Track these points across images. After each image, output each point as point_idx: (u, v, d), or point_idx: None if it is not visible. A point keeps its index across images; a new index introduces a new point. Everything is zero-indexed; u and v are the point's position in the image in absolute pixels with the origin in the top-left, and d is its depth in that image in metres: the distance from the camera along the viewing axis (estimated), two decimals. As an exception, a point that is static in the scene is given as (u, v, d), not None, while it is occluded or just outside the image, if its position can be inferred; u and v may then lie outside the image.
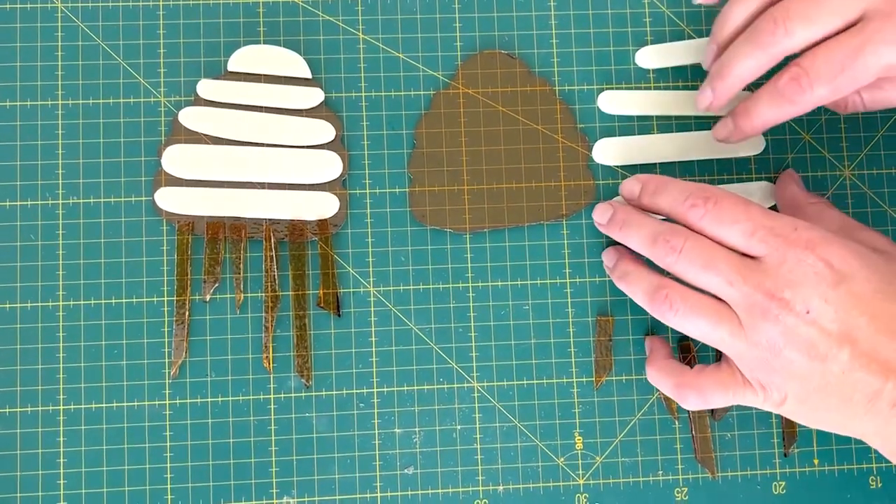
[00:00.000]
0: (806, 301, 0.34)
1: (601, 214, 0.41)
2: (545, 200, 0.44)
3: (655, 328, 0.44)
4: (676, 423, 0.43)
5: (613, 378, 0.43)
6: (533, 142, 0.44)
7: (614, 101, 0.45)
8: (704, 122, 0.45)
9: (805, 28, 0.36)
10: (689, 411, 0.43)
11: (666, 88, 0.45)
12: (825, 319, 0.34)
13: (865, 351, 0.34)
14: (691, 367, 0.40)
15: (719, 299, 0.36)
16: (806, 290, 0.34)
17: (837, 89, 0.36)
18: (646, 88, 0.45)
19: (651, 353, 0.42)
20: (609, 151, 0.44)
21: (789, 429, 0.43)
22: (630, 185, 0.40)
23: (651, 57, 0.45)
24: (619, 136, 0.45)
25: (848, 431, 0.36)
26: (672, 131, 0.45)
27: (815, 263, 0.34)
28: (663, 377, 0.40)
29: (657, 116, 0.45)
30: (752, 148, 0.44)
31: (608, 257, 0.42)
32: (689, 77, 0.45)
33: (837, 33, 0.36)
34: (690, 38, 0.45)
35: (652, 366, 0.41)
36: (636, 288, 0.39)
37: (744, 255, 0.36)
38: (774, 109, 0.38)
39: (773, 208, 0.43)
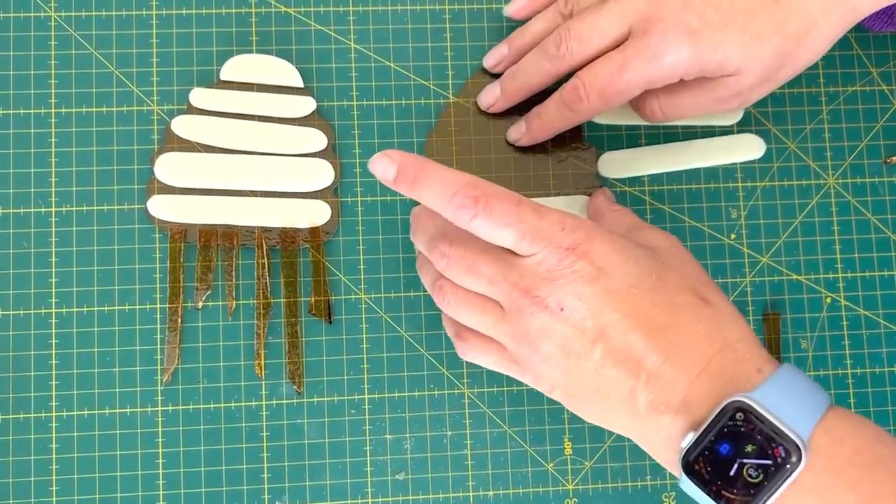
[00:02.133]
0: (560, 299, 0.34)
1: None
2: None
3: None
4: (664, 428, 0.44)
5: (602, 384, 0.44)
6: (541, 150, 0.45)
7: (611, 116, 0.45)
8: (709, 131, 0.46)
9: (581, 47, 0.40)
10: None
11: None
12: (578, 316, 0.34)
13: (616, 348, 0.33)
14: None
15: None
16: (561, 288, 0.34)
17: (609, 101, 0.40)
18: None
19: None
20: (613, 164, 0.45)
21: (775, 434, 0.44)
22: (381, 167, 0.35)
23: None
24: (627, 144, 0.45)
25: (614, 428, 0.36)
26: (678, 139, 0.45)
27: (574, 262, 0.34)
28: (449, 324, 0.40)
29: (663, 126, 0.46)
30: (756, 150, 0.45)
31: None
32: (676, 87, 0.46)
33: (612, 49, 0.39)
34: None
35: (445, 315, 0.40)
36: (424, 278, 0.40)
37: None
38: (559, 116, 0.42)
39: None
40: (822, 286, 0.45)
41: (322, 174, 0.43)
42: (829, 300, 0.45)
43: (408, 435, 0.43)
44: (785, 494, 0.31)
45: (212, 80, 0.44)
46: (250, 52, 0.44)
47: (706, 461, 0.32)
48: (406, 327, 0.43)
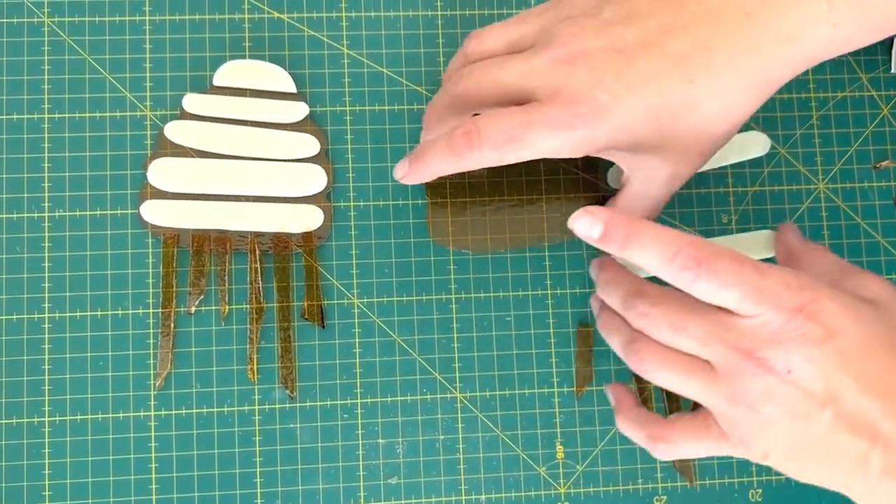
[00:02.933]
0: (787, 360, 0.32)
1: (594, 272, 0.41)
2: (526, 214, 0.45)
3: (635, 339, 0.44)
4: (655, 432, 0.44)
5: (594, 388, 0.44)
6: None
7: None
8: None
9: (491, 147, 0.36)
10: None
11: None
12: (807, 379, 0.32)
13: (849, 412, 0.32)
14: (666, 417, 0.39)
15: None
16: (788, 350, 0.32)
17: (503, 157, 0.36)
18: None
19: (618, 404, 0.41)
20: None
21: (766, 437, 0.44)
22: (584, 225, 0.34)
23: None
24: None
25: (836, 488, 0.35)
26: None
27: (801, 325, 0.32)
28: (634, 428, 0.39)
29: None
30: (763, 147, 0.46)
31: (595, 303, 0.42)
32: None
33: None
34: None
35: (622, 415, 0.40)
36: (614, 339, 0.38)
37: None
38: (445, 159, 0.37)
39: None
40: (813, 290, 0.45)
41: (315, 179, 0.44)
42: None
43: (400, 439, 0.43)
44: None
45: (205, 86, 0.44)
46: (243, 57, 0.44)
47: None
48: (398, 332, 0.44)
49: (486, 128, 0.36)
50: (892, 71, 0.47)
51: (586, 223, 0.34)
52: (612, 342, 0.39)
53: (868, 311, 0.34)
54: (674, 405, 0.44)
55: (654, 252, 0.33)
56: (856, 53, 0.47)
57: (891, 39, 0.47)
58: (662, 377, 0.35)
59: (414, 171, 0.39)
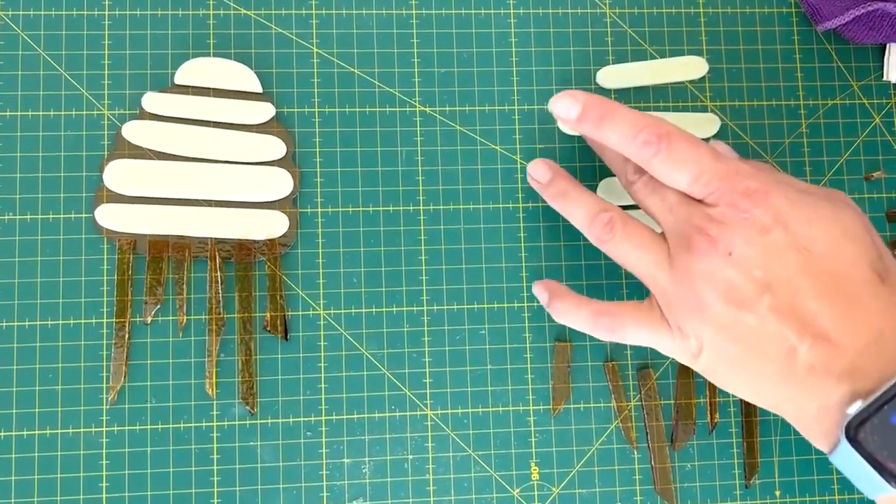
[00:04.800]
0: (730, 242, 0.33)
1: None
2: (503, 223, 0.43)
3: (615, 353, 0.42)
4: (635, 452, 0.42)
5: (571, 406, 0.42)
6: (491, 162, 0.43)
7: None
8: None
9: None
10: (648, 442, 0.42)
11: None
12: (748, 264, 0.33)
13: (784, 303, 0.32)
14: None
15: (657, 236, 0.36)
16: (733, 232, 0.33)
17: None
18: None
19: (552, 292, 0.39)
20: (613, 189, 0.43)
21: (751, 459, 0.42)
22: (564, 106, 0.36)
23: (612, 77, 0.44)
24: (579, 157, 0.44)
25: (763, 398, 0.35)
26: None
27: (748, 209, 0.33)
28: (575, 308, 0.38)
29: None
30: (713, 128, 0.44)
31: (538, 170, 0.40)
32: (651, 98, 0.44)
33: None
34: (653, 58, 0.45)
35: (559, 300, 0.39)
36: (576, 208, 0.38)
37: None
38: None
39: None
40: (801, 306, 0.44)
41: (280, 183, 0.41)
42: (807, 320, 0.43)
43: (367, 459, 0.41)
44: None
45: (166, 84, 0.42)
46: (207, 55, 0.42)
47: (874, 430, 0.30)
48: (367, 345, 0.41)
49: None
50: (885, 78, 0.45)
51: (565, 104, 0.36)
52: (571, 212, 0.38)
53: (818, 214, 0.34)
54: (680, 419, 0.42)
55: (623, 130, 0.35)
56: (847, 60, 0.46)
57: (883, 45, 0.46)
58: (623, 248, 0.36)
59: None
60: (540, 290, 0.40)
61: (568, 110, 0.36)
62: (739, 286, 0.33)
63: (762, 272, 0.33)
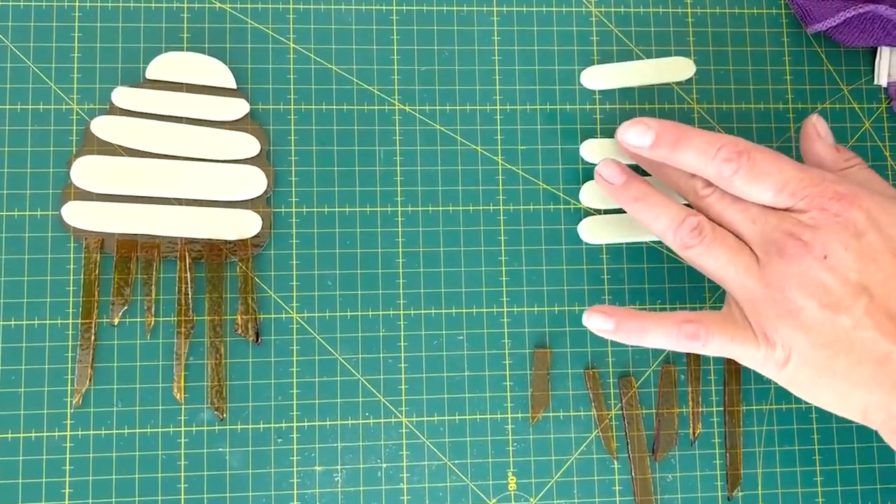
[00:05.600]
0: (825, 246, 0.33)
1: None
2: (483, 225, 0.42)
3: (596, 361, 0.41)
4: (615, 463, 0.41)
5: (550, 414, 0.41)
6: (471, 163, 0.42)
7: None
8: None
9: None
10: (628, 452, 0.41)
11: (612, 111, 0.43)
12: (843, 267, 0.33)
13: (880, 307, 0.33)
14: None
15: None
16: (827, 236, 0.33)
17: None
18: (590, 109, 0.43)
19: (616, 315, 0.37)
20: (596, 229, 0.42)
21: (734, 470, 0.41)
22: (636, 134, 0.36)
23: (597, 77, 0.43)
24: (562, 160, 0.43)
25: (851, 405, 0.34)
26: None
27: (841, 212, 0.33)
28: (653, 322, 0.36)
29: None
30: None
31: (611, 172, 0.39)
32: (637, 99, 0.43)
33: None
34: (639, 58, 0.43)
35: (630, 318, 0.36)
36: (658, 211, 0.37)
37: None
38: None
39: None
40: (787, 314, 0.43)
41: (253, 182, 0.40)
42: (793, 329, 0.42)
43: (339, 467, 0.40)
44: None
45: (137, 79, 0.41)
46: (181, 49, 0.41)
47: None
48: (341, 350, 0.40)
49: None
50: (876, 82, 0.44)
51: (637, 132, 0.36)
52: (653, 215, 0.37)
53: None
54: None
55: (701, 149, 0.35)
56: (837, 63, 0.45)
57: (874, 49, 0.45)
58: (712, 253, 0.35)
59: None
60: (599, 318, 0.37)
61: (641, 138, 0.36)
62: (835, 289, 0.33)
63: (858, 275, 0.33)
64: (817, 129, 0.38)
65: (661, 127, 0.36)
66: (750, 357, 0.35)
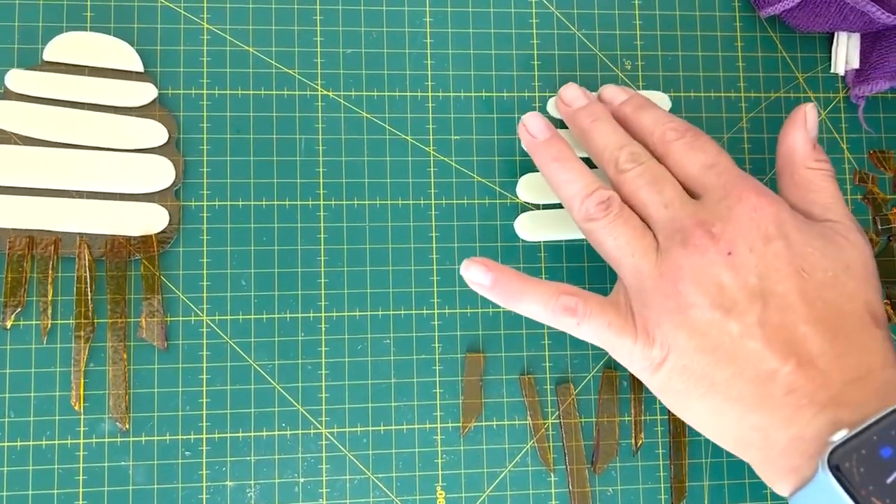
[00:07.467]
0: (732, 242, 0.31)
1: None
2: (413, 221, 0.39)
3: (532, 366, 0.39)
4: (552, 475, 0.38)
5: (483, 423, 0.38)
6: (401, 154, 0.39)
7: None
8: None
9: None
10: (566, 464, 0.38)
11: (553, 99, 0.40)
12: (745, 269, 0.31)
13: (773, 319, 0.31)
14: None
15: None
16: (736, 232, 0.32)
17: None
18: (529, 97, 0.40)
19: (496, 270, 0.34)
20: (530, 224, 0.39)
21: (678, 483, 0.39)
22: (615, 91, 0.38)
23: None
24: (498, 151, 0.40)
25: (724, 427, 0.32)
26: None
27: (757, 208, 0.32)
28: (532, 287, 0.34)
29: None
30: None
31: (536, 124, 0.36)
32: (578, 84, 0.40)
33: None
34: (581, 42, 0.41)
35: (508, 278, 0.34)
36: (572, 177, 0.35)
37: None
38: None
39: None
40: (736, 316, 0.40)
41: (160, 173, 0.37)
42: (743, 332, 0.40)
43: (252, 482, 0.37)
44: None
45: (35, 61, 0.38)
46: (83, 29, 0.38)
47: (860, 462, 0.28)
48: (255, 356, 0.37)
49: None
50: (833, 70, 0.42)
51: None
52: (567, 179, 0.35)
53: (825, 244, 0.32)
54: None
55: (657, 116, 0.35)
56: (792, 50, 0.42)
57: (831, 35, 0.42)
58: (614, 231, 0.33)
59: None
60: (477, 270, 0.34)
61: (614, 95, 0.37)
62: (731, 290, 0.31)
63: (758, 280, 0.31)
64: (806, 117, 0.35)
65: (634, 93, 0.37)
66: (625, 350, 0.33)
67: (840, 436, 0.28)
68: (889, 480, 0.28)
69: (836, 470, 0.28)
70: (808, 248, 0.32)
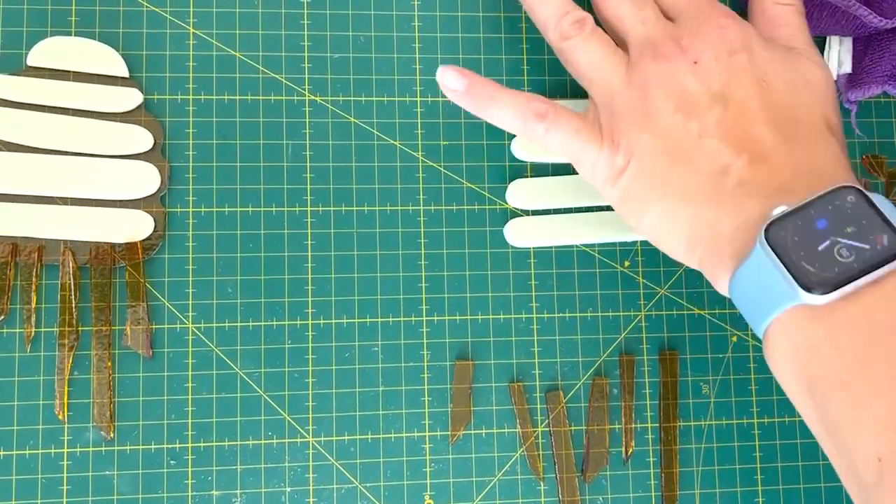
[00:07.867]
0: (699, 53, 0.34)
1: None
2: (401, 227, 0.38)
3: (521, 374, 0.38)
4: (542, 484, 0.38)
5: (472, 431, 0.38)
6: (389, 159, 0.39)
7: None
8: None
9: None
10: (556, 472, 0.38)
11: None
12: (708, 75, 0.33)
13: (731, 119, 0.33)
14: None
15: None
16: (703, 44, 0.34)
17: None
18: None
19: (469, 76, 0.36)
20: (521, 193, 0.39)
21: (669, 492, 0.38)
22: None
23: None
24: (487, 157, 0.39)
25: (675, 227, 0.33)
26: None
27: (724, 26, 0.34)
28: (506, 92, 0.36)
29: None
30: None
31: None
32: (569, 89, 0.40)
33: None
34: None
35: (480, 84, 0.36)
36: (549, 1, 0.36)
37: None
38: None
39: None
40: (728, 323, 0.40)
41: (146, 179, 0.37)
42: (734, 339, 0.40)
43: (238, 491, 0.36)
44: (866, 289, 0.28)
45: (19, 66, 0.37)
46: (68, 34, 0.38)
47: (795, 232, 0.29)
48: (241, 364, 0.37)
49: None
50: (825, 75, 0.42)
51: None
52: (541, 10, 0.36)
53: (786, 57, 0.35)
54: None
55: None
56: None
57: (823, 39, 0.42)
58: (588, 47, 0.35)
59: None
60: (452, 76, 0.36)
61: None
62: (694, 95, 0.33)
63: (720, 86, 0.33)
64: None
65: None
66: (590, 159, 0.35)
67: (779, 210, 0.30)
68: (821, 248, 0.29)
69: (770, 240, 0.29)
70: (771, 62, 0.34)
